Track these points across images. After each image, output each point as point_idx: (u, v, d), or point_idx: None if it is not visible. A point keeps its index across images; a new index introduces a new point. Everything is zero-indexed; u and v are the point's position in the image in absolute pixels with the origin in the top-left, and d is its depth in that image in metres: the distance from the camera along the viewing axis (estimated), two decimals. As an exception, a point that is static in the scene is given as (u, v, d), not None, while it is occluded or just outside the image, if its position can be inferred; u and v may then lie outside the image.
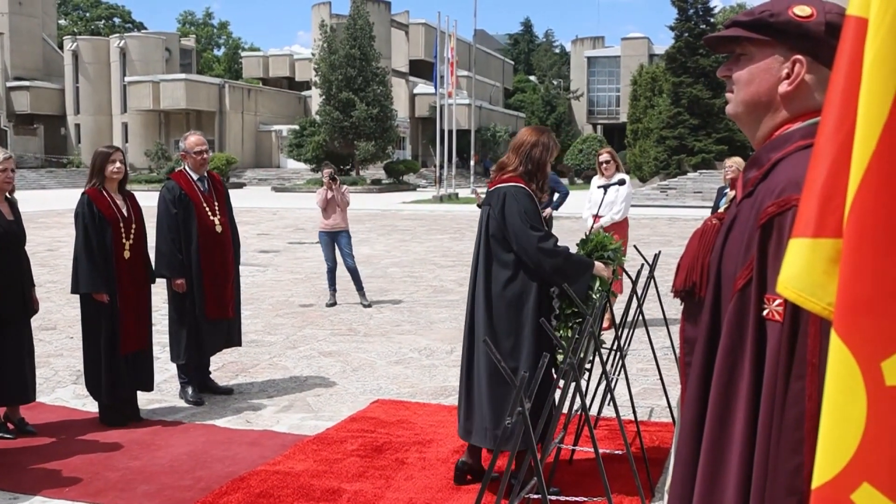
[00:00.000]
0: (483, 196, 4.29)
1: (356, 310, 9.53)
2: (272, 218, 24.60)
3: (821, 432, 1.13)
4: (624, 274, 4.91)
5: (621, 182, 7.90)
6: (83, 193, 5.38)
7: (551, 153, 4.09)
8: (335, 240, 9.79)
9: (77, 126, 58.89)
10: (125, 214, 5.41)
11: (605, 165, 8.62)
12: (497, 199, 4.02)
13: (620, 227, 8.35)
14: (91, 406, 5.61)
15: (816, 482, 1.13)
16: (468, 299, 4.21)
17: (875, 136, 1.05)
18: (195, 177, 5.96)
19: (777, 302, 1.42)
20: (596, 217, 6.93)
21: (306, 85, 60.56)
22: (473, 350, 4.14)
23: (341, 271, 9.91)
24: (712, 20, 41.32)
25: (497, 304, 3.99)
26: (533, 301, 3.99)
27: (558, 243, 3.96)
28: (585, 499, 4.04)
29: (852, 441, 1.09)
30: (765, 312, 1.46)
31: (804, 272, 1.19)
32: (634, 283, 4.80)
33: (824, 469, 1.12)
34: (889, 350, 1.07)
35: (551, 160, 4.12)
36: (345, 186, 10.04)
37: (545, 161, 4.08)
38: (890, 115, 1.05)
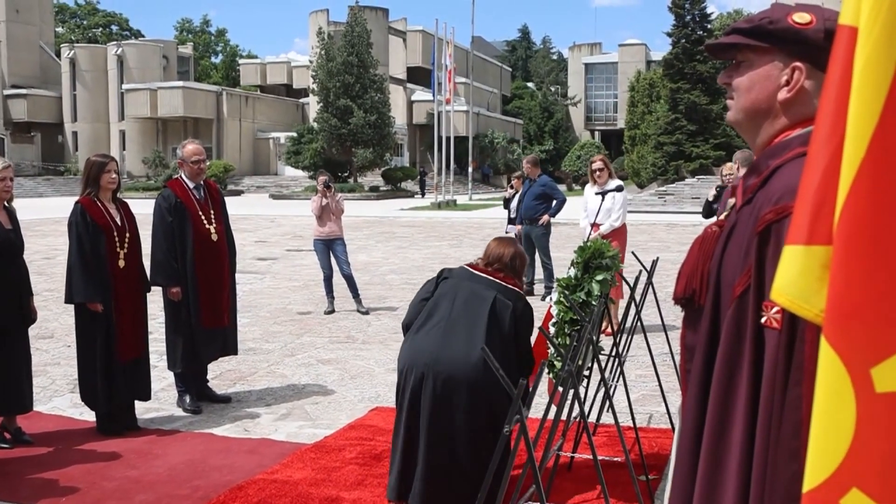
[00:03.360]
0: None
1: (354, 317, 9.52)
2: (270, 225, 24.59)
3: (811, 437, 1.14)
4: (623, 281, 4.91)
5: (619, 188, 7.91)
6: (76, 203, 5.37)
7: (525, 265, 4.44)
8: (330, 247, 9.79)
9: (74, 134, 58.88)
10: (119, 223, 5.40)
11: (598, 173, 8.61)
12: (519, 307, 4.02)
13: (619, 233, 8.35)
14: (88, 415, 5.59)
15: (806, 486, 1.14)
16: (426, 362, 3.85)
17: (864, 144, 1.07)
18: (191, 185, 5.96)
19: (775, 309, 1.42)
20: (594, 225, 6.92)
21: (304, 92, 60.61)
22: (439, 420, 3.82)
23: (338, 278, 9.90)
24: (709, 26, 41.44)
25: (490, 382, 3.72)
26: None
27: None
28: (585, 506, 4.02)
29: (842, 446, 1.10)
30: (763, 320, 1.46)
31: (798, 279, 1.20)
32: (633, 289, 4.80)
33: (814, 473, 1.13)
34: (878, 356, 1.08)
35: (523, 269, 4.40)
36: (339, 194, 10.03)
37: (522, 272, 4.36)
38: (879, 123, 1.06)
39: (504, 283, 4.08)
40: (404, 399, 3.93)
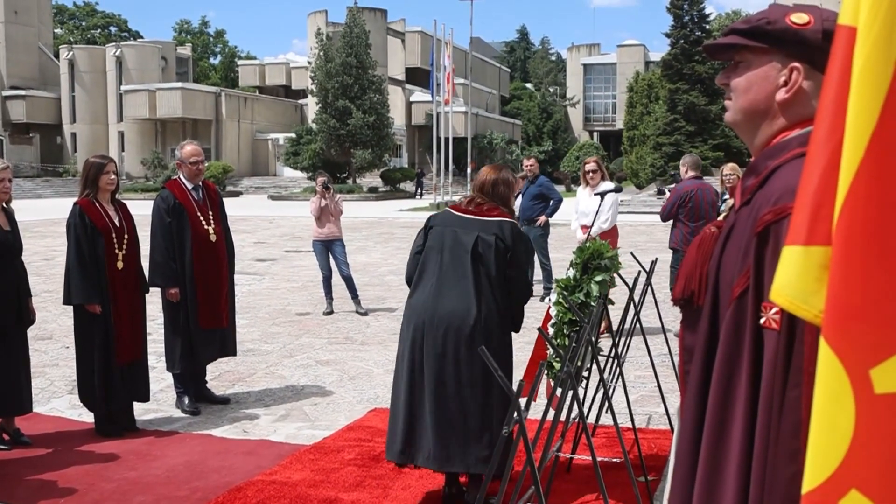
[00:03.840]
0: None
1: (353, 318, 9.52)
2: (269, 226, 24.57)
3: (810, 438, 1.14)
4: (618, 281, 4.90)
5: (618, 189, 7.89)
6: (75, 204, 5.37)
7: (513, 189, 4.28)
8: (329, 248, 9.79)
9: (73, 135, 58.85)
10: (117, 225, 5.40)
11: (590, 175, 8.55)
12: (506, 233, 4.01)
13: (610, 235, 8.28)
14: (87, 416, 5.58)
15: (805, 487, 1.13)
16: (424, 320, 3.95)
17: (863, 144, 1.06)
18: (190, 186, 5.96)
19: (774, 310, 1.42)
20: (584, 227, 6.88)
21: (303, 93, 60.60)
22: (444, 375, 3.89)
23: (337, 279, 9.90)
24: (707, 27, 41.49)
25: (488, 330, 3.89)
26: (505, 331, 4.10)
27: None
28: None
29: (841, 448, 1.09)
30: (762, 320, 1.45)
31: (797, 279, 1.19)
32: (632, 290, 4.79)
33: (813, 475, 1.12)
34: (877, 357, 1.08)
35: (514, 195, 4.31)
36: (338, 195, 10.02)
37: (509, 197, 4.25)
38: (878, 123, 1.06)
39: (485, 218, 4.05)
40: (403, 360, 4.01)
